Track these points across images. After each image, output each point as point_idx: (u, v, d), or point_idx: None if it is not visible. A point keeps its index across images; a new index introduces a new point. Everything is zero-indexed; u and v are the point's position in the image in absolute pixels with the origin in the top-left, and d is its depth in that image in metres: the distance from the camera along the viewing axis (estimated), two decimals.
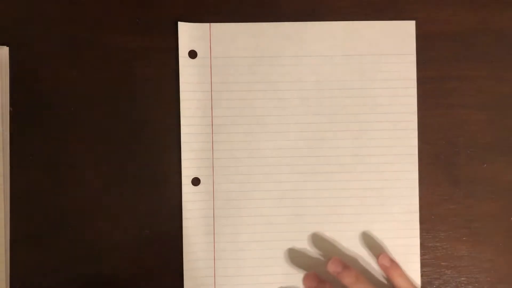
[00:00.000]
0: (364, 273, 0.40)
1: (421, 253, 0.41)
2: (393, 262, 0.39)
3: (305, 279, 0.39)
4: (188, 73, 0.40)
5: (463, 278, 0.41)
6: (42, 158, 0.40)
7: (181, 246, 0.40)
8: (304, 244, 0.40)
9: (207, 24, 0.40)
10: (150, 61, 0.40)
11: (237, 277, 0.40)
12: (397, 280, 0.39)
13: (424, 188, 0.41)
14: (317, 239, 0.40)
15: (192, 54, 0.40)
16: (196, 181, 0.40)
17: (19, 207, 0.39)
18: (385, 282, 0.41)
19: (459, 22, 0.42)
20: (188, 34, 0.40)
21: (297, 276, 0.40)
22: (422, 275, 0.41)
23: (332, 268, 0.38)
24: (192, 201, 0.40)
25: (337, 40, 0.41)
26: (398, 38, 0.41)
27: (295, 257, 0.40)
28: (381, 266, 0.40)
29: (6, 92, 0.40)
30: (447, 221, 0.41)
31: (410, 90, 0.41)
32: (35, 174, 0.40)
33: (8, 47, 0.40)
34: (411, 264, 0.40)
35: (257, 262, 0.40)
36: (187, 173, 0.40)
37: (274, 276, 0.40)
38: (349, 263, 0.40)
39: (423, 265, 0.41)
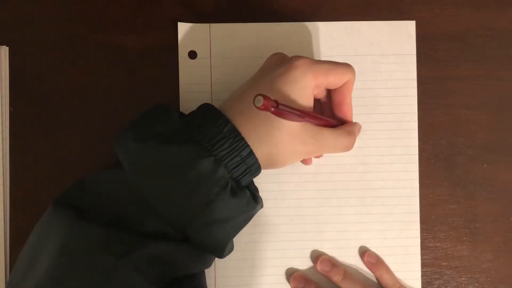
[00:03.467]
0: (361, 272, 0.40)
1: (421, 253, 0.41)
2: (379, 259, 0.40)
3: (292, 280, 0.39)
4: (188, 73, 0.40)
5: (463, 278, 0.41)
6: (42, 158, 0.40)
7: None
8: (303, 245, 0.40)
9: (207, 24, 0.40)
10: (150, 61, 0.40)
11: (237, 277, 0.40)
12: (384, 277, 0.39)
13: (424, 188, 0.41)
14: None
15: (192, 54, 0.40)
16: None
17: (19, 207, 0.39)
18: (373, 279, 0.41)
19: (459, 22, 0.42)
20: (188, 34, 0.40)
21: None
22: (422, 275, 0.41)
23: (321, 267, 0.39)
24: None
25: (337, 40, 0.41)
26: (398, 38, 0.41)
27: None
28: (367, 263, 0.40)
29: (6, 92, 0.40)
30: (447, 221, 0.41)
31: (410, 90, 0.41)
32: (35, 174, 0.40)
33: (8, 47, 0.40)
34: (411, 264, 0.40)
35: (257, 262, 0.40)
36: None
37: (274, 277, 0.40)
38: (350, 269, 0.40)
39: (423, 265, 0.41)
